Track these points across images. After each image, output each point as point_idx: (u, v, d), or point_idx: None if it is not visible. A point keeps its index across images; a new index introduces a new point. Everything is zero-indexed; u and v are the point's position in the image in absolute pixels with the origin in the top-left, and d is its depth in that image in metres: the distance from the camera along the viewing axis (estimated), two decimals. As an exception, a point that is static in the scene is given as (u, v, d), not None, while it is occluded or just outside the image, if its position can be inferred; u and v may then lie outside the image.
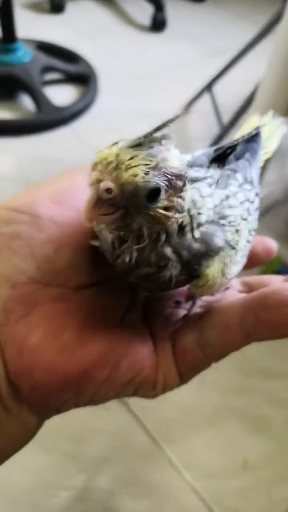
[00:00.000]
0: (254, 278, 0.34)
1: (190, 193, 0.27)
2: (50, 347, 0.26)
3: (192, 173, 0.28)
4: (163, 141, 0.25)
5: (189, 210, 0.27)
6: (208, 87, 1.49)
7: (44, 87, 1.52)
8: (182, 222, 0.26)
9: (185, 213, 0.26)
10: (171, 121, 0.25)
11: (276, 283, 0.32)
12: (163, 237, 0.26)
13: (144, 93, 1.61)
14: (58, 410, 0.27)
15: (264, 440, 0.91)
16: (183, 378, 0.30)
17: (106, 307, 0.29)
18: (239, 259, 0.30)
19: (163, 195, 0.25)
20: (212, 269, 0.28)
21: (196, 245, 0.27)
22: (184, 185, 0.26)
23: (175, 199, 0.26)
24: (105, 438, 0.88)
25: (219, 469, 0.87)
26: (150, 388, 0.29)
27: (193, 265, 0.27)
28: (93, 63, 1.66)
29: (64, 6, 1.99)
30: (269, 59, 0.97)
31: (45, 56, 1.61)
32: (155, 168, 0.24)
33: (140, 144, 0.24)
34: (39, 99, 1.46)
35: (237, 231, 0.30)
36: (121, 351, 0.28)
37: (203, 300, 0.32)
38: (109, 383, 0.27)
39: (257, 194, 0.34)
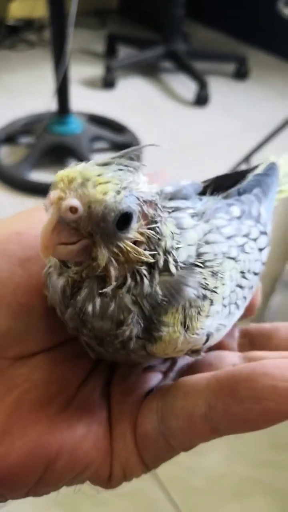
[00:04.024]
0: (256, 327, 0.28)
1: (168, 224, 0.23)
2: None
3: (174, 203, 0.25)
4: (131, 167, 0.21)
5: (163, 246, 0.22)
6: (246, 159, 1.57)
7: (92, 155, 1.64)
8: (154, 262, 0.22)
9: (158, 251, 0.22)
10: (139, 148, 0.22)
11: (283, 335, 0.27)
12: (129, 281, 0.21)
13: (185, 164, 1.70)
14: None
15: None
16: (149, 466, 0.24)
17: (54, 380, 0.24)
18: (220, 310, 0.24)
19: (134, 223, 0.21)
20: (170, 321, 0.22)
21: (160, 293, 0.22)
22: (155, 214, 0.22)
23: (145, 231, 0.21)
24: (128, 502, 0.87)
25: None
26: (103, 481, 0.24)
27: (153, 321, 0.22)
28: (138, 134, 1.78)
29: (115, 83, 2.17)
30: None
31: (95, 127, 1.75)
32: (125, 189, 0.20)
33: (107, 163, 0.21)
34: (87, 166, 1.57)
35: (214, 274, 0.23)
36: (57, 448, 0.22)
37: (189, 359, 0.26)
38: (44, 483, 0.23)
39: (264, 233, 0.28)
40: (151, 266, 0.22)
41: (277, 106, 1.97)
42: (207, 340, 0.24)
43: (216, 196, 0.29)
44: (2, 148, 1.68)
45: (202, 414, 0.22)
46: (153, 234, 0.21)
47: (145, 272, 0.21)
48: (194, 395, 0.22)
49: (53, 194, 0.20)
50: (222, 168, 1.64)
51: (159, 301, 0.22)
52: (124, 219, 0.20)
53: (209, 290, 0.23)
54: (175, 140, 1.84)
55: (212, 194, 0.30)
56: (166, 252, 0.22)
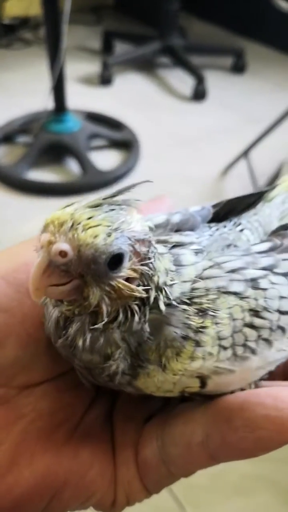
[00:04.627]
0: None
1: (162, 260, 0.23)
2: None
3: (178, 237, 0.25)
4: (123, 205, 0.22)
5: (156, 281, 0.22)
6: (245, 153, 1.56)
7: (90, 152, 1.63)
8: (146, 298, 0.22)
9: (150, 286, 0.22)
10: (132, 186, 0.22)
11: None
12: (121, 316, 0.21)
13: (184, 159, 1.69)
14: None
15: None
16: (151, 491, 0.25)
17: (59, 408, 0.24)
18: (216, 352, 0.22)
19: (126, 262, 0.21)
20: (151, 359, 0.22)
21: (148, 331, 0.22)
22: (148, 251, 0.22)
23: (138, 267, 0.21)
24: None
25: None
26: (107, 507, 0.25)
27: (140, 357, 0.22)
28: (136, 130, 1.77)
29: (112, 79, 2.16)
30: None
31: (92, 124, 1.74)
32: (116, 230, 0.20)
33: (98, 205, 0.21)
34: (85, 164, 1.57)
35: (201, 311, 0.22)
36: (64, 477, 0.23)
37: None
38: (50, 511, 0.23)
39: None
40: (143, 302, 0.22)
41: (275, 99, 1.95)
42: (204, 384, 0.23)
43: (227, 224, 0.28)
44: (0, 148, 1.67)
45: (200, 442, 0.22)
46: (147, 270, 0.22)
47: (136, 308, 0.22)
48: (192, 423, 0.23)
49: (43, 237, 0.20)
50: (220, 162, 1.63)
51: (144, 338, 0.22)
52: (116, 260, 0.21)
53: (192, 329, 0.22)
54: (173, 135, 1.83)
55: (225, 218, 0.29)
56: (158, 288, 0.22)
